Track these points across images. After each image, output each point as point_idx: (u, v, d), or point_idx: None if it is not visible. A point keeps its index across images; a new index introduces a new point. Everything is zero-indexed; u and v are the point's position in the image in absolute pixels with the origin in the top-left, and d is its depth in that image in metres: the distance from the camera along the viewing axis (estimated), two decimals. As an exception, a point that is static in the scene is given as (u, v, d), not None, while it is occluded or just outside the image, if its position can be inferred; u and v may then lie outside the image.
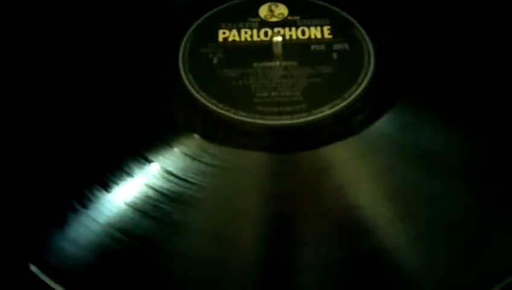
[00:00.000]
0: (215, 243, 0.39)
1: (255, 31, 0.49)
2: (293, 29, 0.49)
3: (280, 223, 0.40)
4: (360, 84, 0.46)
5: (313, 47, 0.48)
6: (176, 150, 0.42)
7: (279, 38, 0.48)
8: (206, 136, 0.43)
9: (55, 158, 0.43)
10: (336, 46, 0.48)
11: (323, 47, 0.48)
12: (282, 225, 0.40)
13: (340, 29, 0.49)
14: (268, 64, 0.47)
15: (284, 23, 0.50)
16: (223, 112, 0.44)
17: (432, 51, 0.47)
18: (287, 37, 0.49)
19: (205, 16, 0.50)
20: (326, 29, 0.49)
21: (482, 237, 0.40)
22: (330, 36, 0.49)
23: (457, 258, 0.39)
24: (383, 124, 0.43)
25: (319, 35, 0.49)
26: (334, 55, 0.48)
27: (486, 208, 0.41)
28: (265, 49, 0.48)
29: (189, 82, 0.46)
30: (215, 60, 0.48)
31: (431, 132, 0.43)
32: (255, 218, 0.40)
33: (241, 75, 0.47)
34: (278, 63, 0.47)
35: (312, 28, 0.49)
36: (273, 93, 0.45)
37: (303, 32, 0.49)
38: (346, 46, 0.48)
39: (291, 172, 0.42)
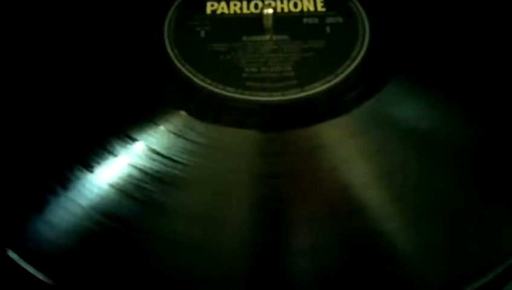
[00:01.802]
0: (203, 226, 0.38)
1: (244, 3, 0.48)
2: (285, 1, 0.48)
3: (270, 205, 0.39)
4: (354, 59, 0.44)
5: (305, 20, 0.47)
6: (161, 127, 0.41)
7: (270, 11, 0.46)
8: (193, 113, 0.42)
9: (34, 136, 0.41)
10: (329, 20, 0.47)
11: (316, 20, 0.47)
12: (273, 207, 0.39)
13: (334, 1, 0.48)
14: (258, 38, 0.46)
15: None
16: (210, 87, 0.43)
17: (429, 26, 0.46)
18: (278, 9, 0.48)
19: (192, -13, 0.49)
20: (319, 1, 0.48)
21: (479, 219, 0.39)
22: (324, 9, 0.47)
23: (453, 240, 0.38)
24: (377, 101, 0.42)
25: (312, 8, 0.48)
26: (327, 29, 0.46)
27: (483, 189, 0.40)
28: (255, 22, 0.47)
29: (175, 56, 0.45)
30: (202, 34, 0.46)
31: (427, 109, 0.42)
32: (244, 199, 0.39)
33: (229, 50, 0.45)
34: (268, 37, 0.46)
35: (305, 0, 0.48)
36: (263, 69, 0.44)
37: (295, 5, 0.48)
38: (340, 19, 0.47)
39: (282, 151, 0.41)
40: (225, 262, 0.37)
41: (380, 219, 0.38)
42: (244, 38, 0.46)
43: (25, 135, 0.42)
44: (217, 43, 0.46)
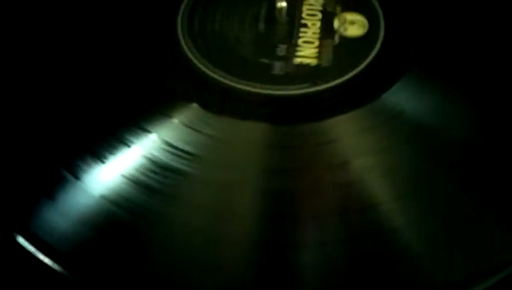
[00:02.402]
0: (213, 217, 0.38)
1: None
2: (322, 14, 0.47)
3: (280, 198, 0.39)
4: (366, 56, 0.44)
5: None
6: (173, 119, 0.41)
7: (283, 4, 0.46)
8: (205, 105, 0.41)
9: (48, 125, 0.41)
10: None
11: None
12: (283, 200, 0.39)
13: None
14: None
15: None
16: (222, 80, 0.43)
17: (443, 22, 0.46)
18: (310, 12, 0.47)
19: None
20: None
21: (489, 219, 0.39)
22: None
23: (462, 239, 0.38)
24: (389, 98, 0.42)
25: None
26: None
27: (495, 188, 0.39)
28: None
29: (188, 48, 0.45)
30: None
31: (440, 107, 0.42)
32: (255, 192, 0.39)
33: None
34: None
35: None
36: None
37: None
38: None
39: (293, 144, 0.41)
40: (234, 253, 0.37)
41: (389, 216, 0.38)
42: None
43: (38, 125, 0.42)
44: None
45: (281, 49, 0.45)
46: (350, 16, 0.46)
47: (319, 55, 0.45)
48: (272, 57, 0.44)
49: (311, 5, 0.47)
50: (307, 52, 0.45)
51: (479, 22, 0.47)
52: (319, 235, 0.37)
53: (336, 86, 0.43)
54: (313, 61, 0.44)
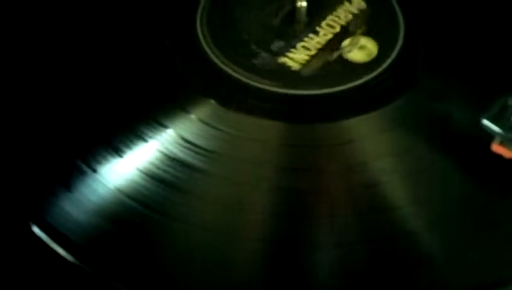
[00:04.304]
0: (226, 214, 0.38)
1: None
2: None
3: (295, 197, 0.39)
4: (387, 57, 0.44)
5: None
6: (190, 115, 0.41)
7: (303, 4, 0.46)
8: (222, 102, 0.42)
9: (67, 118, 0.42)
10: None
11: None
12: (297, 199, 0.39)
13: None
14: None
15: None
16: (240, 77, 0.43)
17: (463, 24, 0.46)
18: (331, 22, 0.47)
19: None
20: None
21: (508, 222, 0.38)
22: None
23: (480, 243, 0.37)
24: (408, 99, 0.42)
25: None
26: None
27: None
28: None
29: (207, 44, 0.45)
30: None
31: (459, 109, 0.42)
32: (270, 190, 0.39)
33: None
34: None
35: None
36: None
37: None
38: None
39: (309, 144, 0.41)
40: (247, 251, 0.37)
41: (405, 218, 0.38)
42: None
43: (58, 117, 0.42)
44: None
45: (277, 45, 0.45)
46: (364, 41, 0.46)
47: (306, 64, 0.44)
48: (263, 48, 0.45)
49: (337, 17, 0.47)
50: (297, 56, 0.45)
51: (500, 25, 0.47)
52: (332, 236, 0.37)
53: (355, 87, 0.43)
54: (295, 66, 0.44)
